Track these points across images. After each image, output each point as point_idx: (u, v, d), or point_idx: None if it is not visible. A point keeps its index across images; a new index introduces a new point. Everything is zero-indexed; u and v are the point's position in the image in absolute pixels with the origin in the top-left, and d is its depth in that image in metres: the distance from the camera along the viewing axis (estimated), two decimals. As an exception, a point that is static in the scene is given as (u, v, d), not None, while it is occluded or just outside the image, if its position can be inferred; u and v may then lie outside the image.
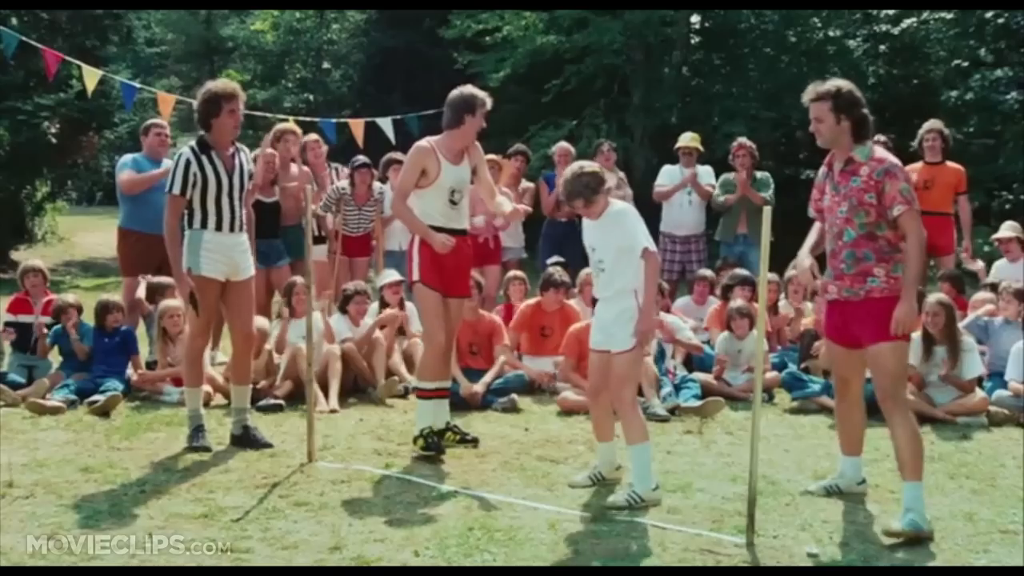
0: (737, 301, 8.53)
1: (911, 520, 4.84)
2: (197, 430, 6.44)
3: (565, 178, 5.61)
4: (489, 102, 6.32)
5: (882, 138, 8.59)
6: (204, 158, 6.22)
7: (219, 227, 6.29)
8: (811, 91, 5.13)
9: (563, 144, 11.23)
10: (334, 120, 13.33)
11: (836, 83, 5.13)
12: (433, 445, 6.27)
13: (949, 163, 9.62)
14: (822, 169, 5.36)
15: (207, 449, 6.29)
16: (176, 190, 6.18)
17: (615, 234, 5.50)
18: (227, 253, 6.34)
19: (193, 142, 6.32)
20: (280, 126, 9.84)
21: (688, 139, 10.78)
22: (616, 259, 5.48)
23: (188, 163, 6.19)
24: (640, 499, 5.31)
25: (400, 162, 9.98)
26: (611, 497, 5.40)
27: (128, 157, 9.07)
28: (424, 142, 6.33)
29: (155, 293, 8.43)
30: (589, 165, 5.65)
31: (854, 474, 5.59)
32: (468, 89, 6.34)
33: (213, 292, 6.36)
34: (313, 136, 10.38)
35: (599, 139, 12.32)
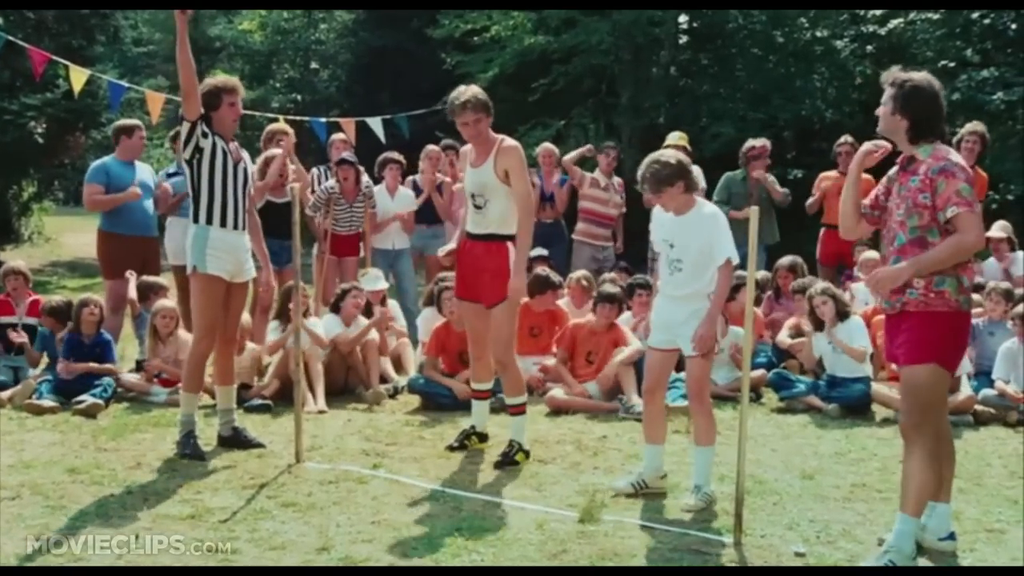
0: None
1: (888, 561, 4.45)
2: (188, 436, 6.31)
3: (663, 164, 5.38)
4: (461, 98, 6.00)
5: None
6: (212, 135, 6.13)
7: (224, 223, 6.20)
8: (887, 74, 4.67)
9: (547, 145, 11.29)
10: (324, 119, 13.31)
11: (913, 75, 4.59)
12: (458, 443, 6.55)
13: (978, 169, 9.23)
14: (894, 168, 4.80)
15: (200, 457, 6.19)
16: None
17: (702, 236, 5.39)
18: (233, 252, 6.26)
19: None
20: (271, 127, 9.83)
21: (676, 138, 10.78)
22: (696, 261, 5.40)
23: (194, 124, 6.05)
24: (711, 498, 5.41)
25: (395, 161, 10.16)
26: (687, 500, 5.39)
27: (99, 165, 8.99)
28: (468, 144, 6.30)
29: (148, 291, 8.39)
30: (668, 155, 5.47)
31: (937, 526, 4.80)
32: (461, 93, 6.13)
33: (219, 291, 6.25)
34: (340, 136, 10.74)
35: (608, 142, 12.32)
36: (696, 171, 5.63)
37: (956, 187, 4.37)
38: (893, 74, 4.64)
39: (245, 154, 6.46)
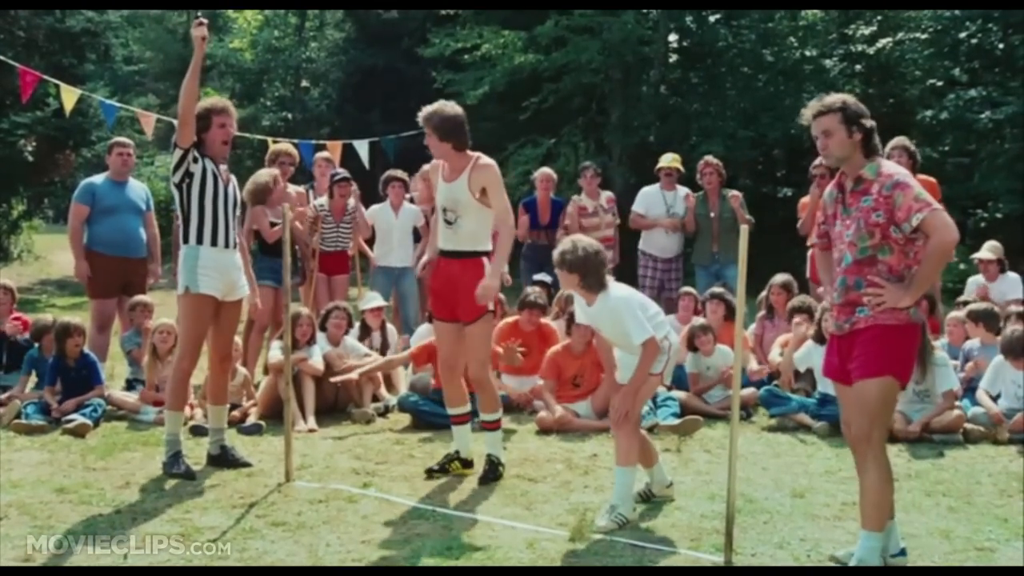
0: (698, 320, 8.60)
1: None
2: (175, 456, 6.27)
3: (569, 251, 5.36)
4: (424, 112, 6.07)
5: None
6: (203, 159, 6.17)
7: (215, 242, 6.22)
8: (815, 106, 4.67)
9: (545, 170, 11.26)
10: (313, 142, 13.34)
11: (841, 96, 4.67)
12: (439, 467, 6.39)
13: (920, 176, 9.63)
14: (829, 190, 4.81)
15: (190, 476, 6.15)
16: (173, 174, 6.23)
17: (615, 326, 5.40)
18: (223, 271, 6.27)
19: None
20: (275, 147, 9.77)
21: (669, 160, 10.79)
22: (622, 343, 5.48)
23: (187, 151, 6.10)
24: (625, 519, 5.33)
25: (399, 179, 10.16)
26: (599, 521, 5.32)
27: (87, 185, 8.95)
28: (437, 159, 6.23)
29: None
30: (587, 245, 5.42)
31: (892, 546, 4.78)
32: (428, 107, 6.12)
33: (208, 310, 6.26)
34: (324, 154, 10.68)
35: (584, 162, 12.32)
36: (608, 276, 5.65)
37: (912, 194, 4.41)
38: (820, 104, 4.66)
39: (233, 177, 6.47)
